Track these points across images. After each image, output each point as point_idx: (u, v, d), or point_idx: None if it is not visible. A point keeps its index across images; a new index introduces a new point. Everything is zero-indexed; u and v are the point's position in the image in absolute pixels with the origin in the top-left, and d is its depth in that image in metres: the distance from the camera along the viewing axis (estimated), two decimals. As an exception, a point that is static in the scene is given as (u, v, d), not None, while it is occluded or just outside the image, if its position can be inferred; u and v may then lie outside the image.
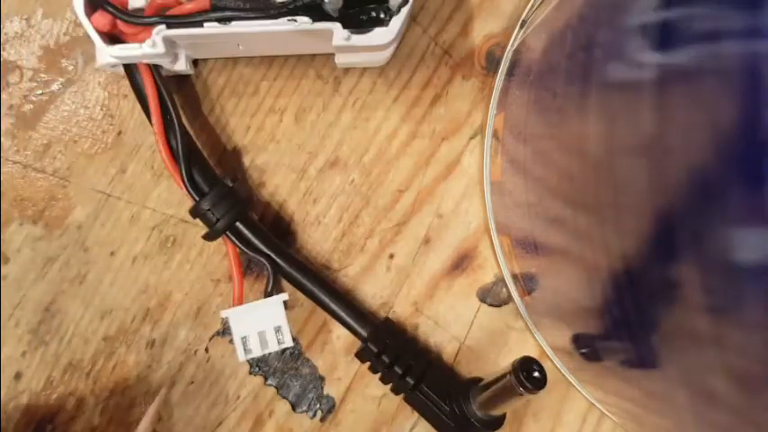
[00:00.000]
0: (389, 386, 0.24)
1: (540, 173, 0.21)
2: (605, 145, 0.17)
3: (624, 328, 0.17)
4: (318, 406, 0.25)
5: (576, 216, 0.19)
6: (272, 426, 0.25)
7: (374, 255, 0.26)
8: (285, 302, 0.23)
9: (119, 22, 0.20)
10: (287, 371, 0.25)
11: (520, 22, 0.25)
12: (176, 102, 0.22)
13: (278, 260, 0.23)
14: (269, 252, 0.23)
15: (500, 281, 0.26)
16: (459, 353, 0.26)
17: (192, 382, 0.25)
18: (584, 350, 0.21)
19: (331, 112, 0.26)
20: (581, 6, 0.20)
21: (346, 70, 0.26)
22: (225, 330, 0.25)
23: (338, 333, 0.26)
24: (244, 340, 0.23)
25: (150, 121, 0.22)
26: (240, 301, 0.23)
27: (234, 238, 0.23)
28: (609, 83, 0.17)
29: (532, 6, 0.25)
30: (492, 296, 0.26)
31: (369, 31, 0.21)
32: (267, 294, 0.23)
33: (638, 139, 0.15)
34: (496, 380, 0.21)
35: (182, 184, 0.22)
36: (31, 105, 0.25)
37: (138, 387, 0.25)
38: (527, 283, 0.24)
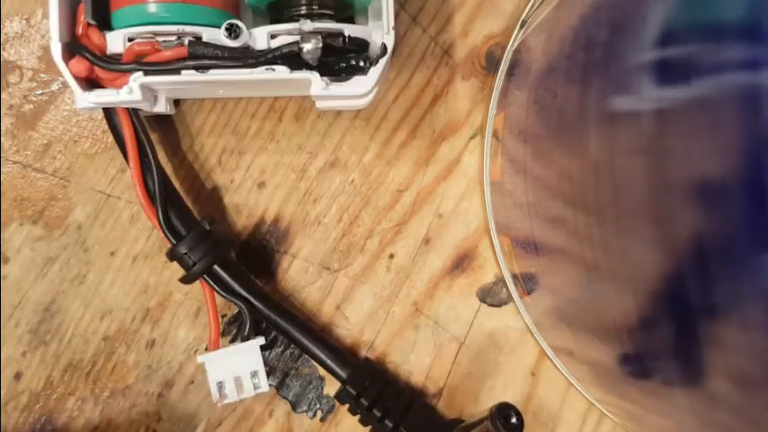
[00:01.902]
0: (369, 429, 0.24)
1: (540, 173, 0.21)
2: (605, 145, 0.17)
3: (672, 343, 0.16)
4: (318, 406, 0.25)
5: (576, 216, 0.19)
6: (272, 426, 0.25)
7: (374, 255, 0.26)
8: (262, 346, 0.23)
9: (96, 68, 0.20)
10: (287, 371, 0.25)
11: (520, 22, 0.25)
12: (153, 143, 0.22)
13: (255, 303, 0.23)
14: (246, 295, 0.23)
15: (500, 281, 0.26)
16: (459, 353, 0.26)
17: (192, 382, 0.25)
18: (630, 368, 0.21)
19: (331, 111, 0.26)
20: (581, 6, 0.20)
21: (346, 70, 0.26)
22: (224, 330, 0.25)
23: (338, 333, 0.26)
24: (219, 385, 0.23)
25: (128, 162, 0.22)
26: (216, 345, 0.23)
27: (211, 282, 0.23)
28: (609, 114, 0.17)
29: (532, 6, 0.25)
30: (492, 296, 0.26)
31: (347, 80, 0.21)
32: (244, 338, 0.23)
33: (638, 142, 0.15)
34: (474, 424, 0.21)
35: (158, 226, 0.22)
36: (31, 105, 0.25)
37: (138, 387, 0.25)
38: (527, 283, 0.24)
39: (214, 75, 0.20)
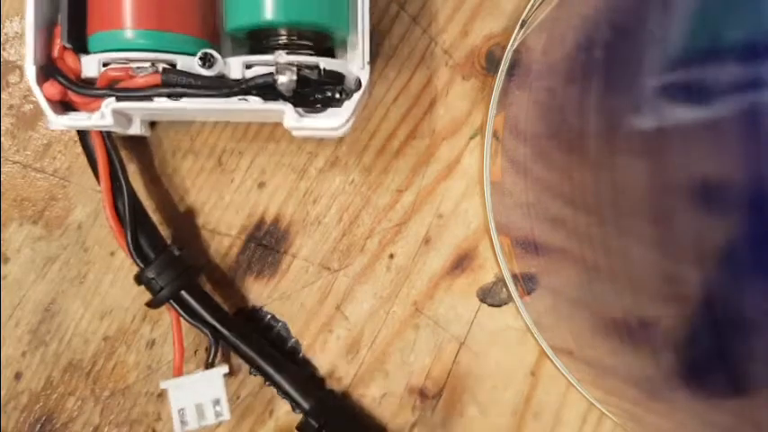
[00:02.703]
0: None
1: (539, 173, 0.21)
2: (605, 145, 0.17)
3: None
4: (318, 406, 0.25)
5: (576, 216, 0.19)
6: (272, 426, 0.25)
7: (374, 255, 0.26)
8: (225, 375, 0.23)
9: (69, 92, 0.20)
10: (287, 371, 0.25)
11: (520, 22, 0.25)
12: (125, 166, 0.22)
13: (221, 329, 0.23)
14: (212, 322, 0.23)
15: (500, 281, 0.26)
16: (459, 353, 0.26)
17: (192, 382, 0.25)
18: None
19: (331, 112, 0.26)
20: (582, 6, 0.20)
21: (346, 70, 0.26)
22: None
23: (338, 333, 0.26)
24: (181, 413, 0.23)
25: (99, 184, 0.22)
26: (180, 371, 0.23)
27: (177, 308, 0.23)
28: (609, 114, 0.17)
29: (532, 6, 0.25)
30: (492, 296, 0.26)
31: (322, 112, 0.21)
32: (208, 366, 0.23)
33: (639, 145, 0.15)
34: None
35: (126, 250, 0.22)
36: (31, 105, 0.25)
37: (138, 387, 0.25)
38: (527, 283, 0.24)
39: (186, 103, 0.20)
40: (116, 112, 0.20)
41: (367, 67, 0.21)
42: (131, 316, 0.25)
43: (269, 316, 0.25)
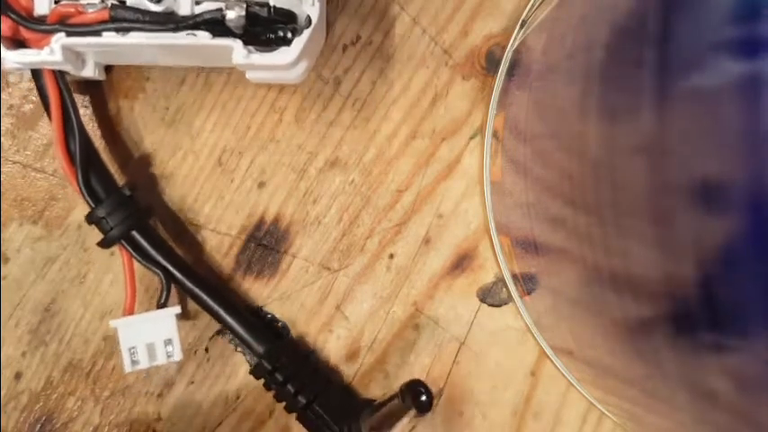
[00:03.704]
0: (283, 404, 0.24)
1: (540, 173, 0.21)
2: (605, 145, 0.17)
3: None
4: (318, 406, 0.25)
5: (576, 216, 0.19)
6: (272, 426, 0.25)
7: (374, 255, 0.26)
8: (177, 315, 0.23)
9: (20, 28, 0.21)
10: (287, 371, 0.25)
11: (520, 22, 0.25)
12: (77, 107, 0.22)
13: (173, 272, 0.23)
14: (164, 263, 0.23)
15: (500, 281, 0.26)
16: (459, 353, 0.26)
17: (192, 383, 0.25)
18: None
19: (331, 111, 0.26)
20: (582, 6, 0.20)
21: (346, 70, 0.26)
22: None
23: (338, 333, 0.26)
24: (132, 351, 0.23)
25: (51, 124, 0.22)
26: (131, 311, 0.23)
27: (128, 248, 0.23)
28: (610, 113, 0.16)
29: (532, 6, 0.25)
30: (492, 296, 0.26)
31: (271, 51, 0.21)
32: (160, 306, 0.23)
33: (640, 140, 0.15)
34: (384, 402, 0.21)
35: (78, 189, 0.22)
36: (31, 105, 0.25)
37: (137, 387, 0.25)
38: (527, 283, 0.24)
39: (134, 38, 0.21)
40: (66, 49, 0.21)
41: (317, 4, 0.21)
42: (131, 316, 0.25)
43: (269, 316, 0.25)
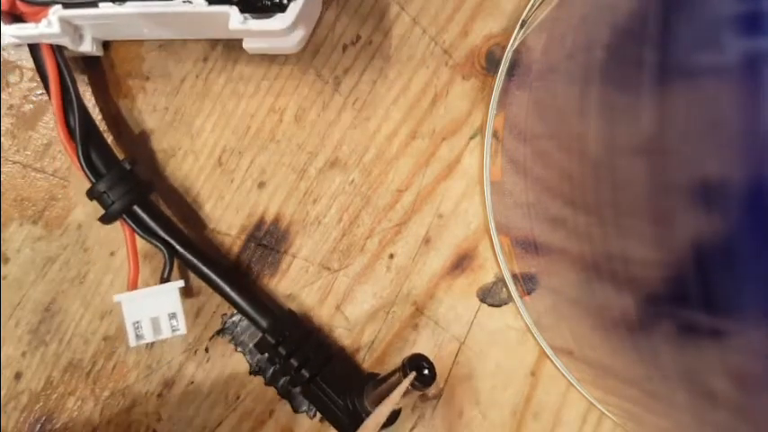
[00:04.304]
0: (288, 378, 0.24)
1: (540, 173, 0.21)
2: (605, 145, 0.17)
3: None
4: (318, 406, 0.25)
5: (576, 216, 0.19)
6: (272, 426, 0.25)
7: (374, 255, 0.26)
8: (181, 289, 0.23)
9: (17, 1, 0.21)
10: (287, 371, 0.25)
11: (520, 22, 0.25)
12: (76, 82, 0.23)
13: (176, 246, 0.23)
14: (167, 237, 0.23)
15: (500, 281, 0.26)
16: (459, 353, 0.26)
17: (192, 382, 0.25)
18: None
19: (331, 111, 0.26)
20: (582, 6, 0.20)
21: (346, 70, 0.26)
22: (224, 330, 0.25)
23: (338, 333, 0.26)
24: (136, 325, 0.23)
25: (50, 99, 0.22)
26: (134, 285, 0.23)
27: (130, 222, 0.23)
28: (609, 113, 0.16)
29: (532, 6, 0.25)
30: (492, 296, 0.26)
31: (267, 17, 0.21)
32: (163, 280, 0.23)
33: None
34: (387, 376, 0.21)
35: (77, 163, 0.22)
36: (31, 105, 0.25)
37: (137, 387, 0.25)
38: (527, 283, 0.24)
39: (131, 7, 0.21)
40: (63, 21, 0.21)
41: None
42: (131, 316, 0.25)
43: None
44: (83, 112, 0.22)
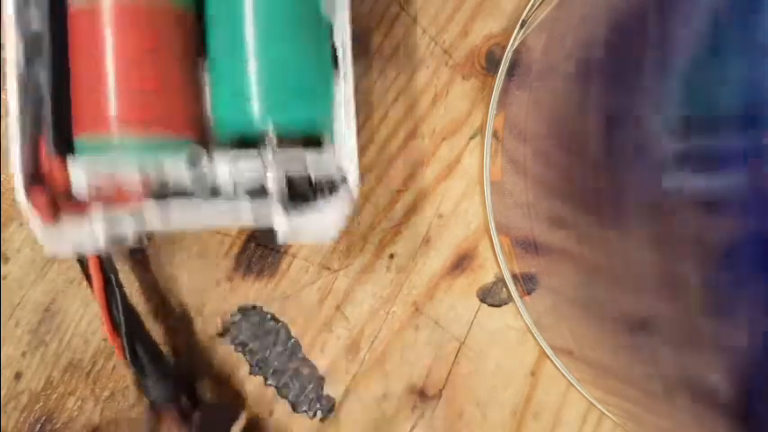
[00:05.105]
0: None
1: (539, 173, 0.21)
2: (605, 144, 0.17)
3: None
4: (318, 406, 0.25)
5: (576, 216, 0.19)
6: (272, 426, 0.25)
7: (374, 255, 0.26)
8: None
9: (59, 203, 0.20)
10: (287, 371, 0.25)
11: (520, 22, 0.25)
12: (120, 281, 0.22)
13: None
14: None
15: (500, 281, 0.26)
16: (459, 353, 0.26)
17: (192, 382, 0.25)
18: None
19: (331, 112, 0.26)
20: (582, 6, 0.20)
21: (346, 70, 0.26)
22: (225, 331, 0.25)
23: (338, 333, 0.26)
24: None
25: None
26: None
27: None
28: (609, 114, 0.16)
29: (532, 6, 0.25)
30: (492, 296, 0.26)
31: (310, 210, 0.21)
32: None
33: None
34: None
35: (123, 358, 0.22)
36: (31, 105, 0.25)
37: (137, 387, 0.25)
38: (527, 283, 0.24)
39: (176, 219, 0.20)
40: (107, 234, 0.20)
41: (353, 165, 0.21)
42: (131, 316, 0.25)
43: (269, 316, 0.25)
44: (127, 308, 0.22)
